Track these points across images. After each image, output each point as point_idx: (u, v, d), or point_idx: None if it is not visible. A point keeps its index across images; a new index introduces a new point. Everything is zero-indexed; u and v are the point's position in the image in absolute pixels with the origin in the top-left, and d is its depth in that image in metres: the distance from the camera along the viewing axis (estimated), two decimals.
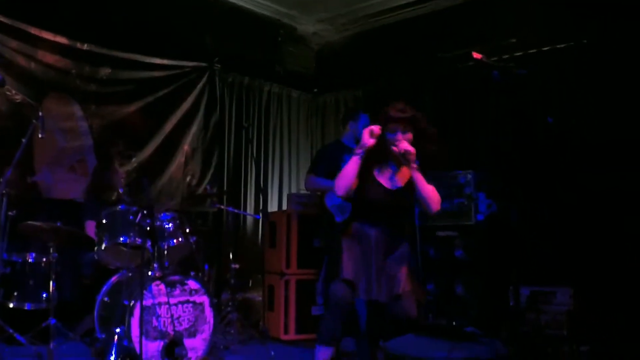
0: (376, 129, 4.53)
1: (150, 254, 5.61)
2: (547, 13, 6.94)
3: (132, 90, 7.60)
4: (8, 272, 5.64)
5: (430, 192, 4.59)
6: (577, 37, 6.84)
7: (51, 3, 6.77)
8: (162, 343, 5.19)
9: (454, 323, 6.12)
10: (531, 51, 7.17)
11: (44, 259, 5.83)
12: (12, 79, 6.44)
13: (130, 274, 5.64)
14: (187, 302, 5.42)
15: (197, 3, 7.88)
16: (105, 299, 5.66)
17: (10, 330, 5.36)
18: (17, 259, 5.77)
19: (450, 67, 7.86)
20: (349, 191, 4.62)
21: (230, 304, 6.76)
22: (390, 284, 4.53)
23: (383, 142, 4.59)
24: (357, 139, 6.43)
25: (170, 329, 5.22)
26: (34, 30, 6.80)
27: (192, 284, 5.49)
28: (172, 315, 5.25)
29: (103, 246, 5.71)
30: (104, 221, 5.75)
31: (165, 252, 5.75)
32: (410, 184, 4.62)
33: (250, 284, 7.88)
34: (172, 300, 5.31)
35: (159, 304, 5.23)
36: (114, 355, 5.09)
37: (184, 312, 5.38)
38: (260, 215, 7.55)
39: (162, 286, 5.28)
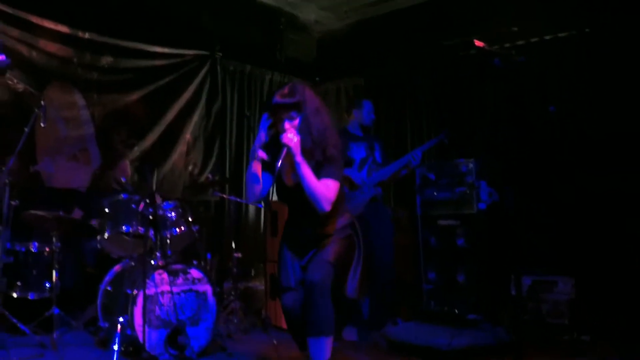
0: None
1: (152, 243, 5.64)
2: (549, 1, 6.92)
3: (133, 78, 7.58)
4: (11, 262, 5.66)
5: (317, 190, 3.99)
6: (579, 26, 6.82)
7: None
8: (165, 332, 5.20)
9: (456, 311, 6.13)
10: (533, 40, 7.15)
11: (47, 248, 5.87)
12: (14, 68, 6.43)
13: (132, 263, 5.67)
14: (190, 290, 5.44)
15: None
16: (108, 287, 5.68)
17: (14, 320, 5.40)
18: (20, 248, 5.80)
19: (451, 55, 7.84)
20: (256, 196, 4.18)
21: (232, 292, 6.78)
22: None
23: (277, 134, 4.12)
24: (362, 127, 6.47)
25: (173, 318, 5.23)
26: (35, 19, 6.78)
27: (194, 273, 5.50)
28: (174, 304, 5.26)
29: (106, 235, 5.74)
30: (106, 210, 5.77)
31: (168, 240, 5.77)
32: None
33: (252, 273, 7.90)
34: (175, 289, 5.33)
35: (162, 293, 5.24)
36: (117, 344, 5.10)
37: (187, 300, 5.39)
38: (262, 204, 7.56)
39: (165, 275, 5.29)
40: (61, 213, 5.68)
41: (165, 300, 5.25)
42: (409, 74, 8.46)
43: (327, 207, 4.03)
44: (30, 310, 5.66)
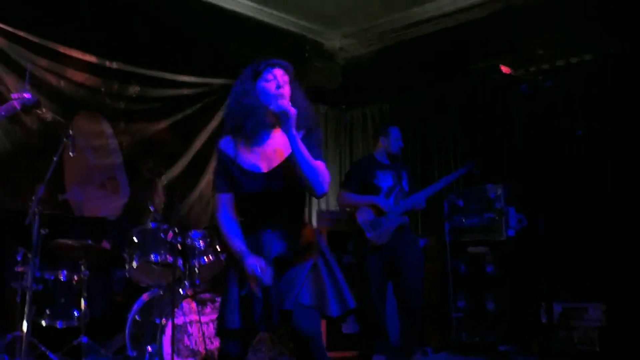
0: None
1: (181, 272, 5.63)
2: (573, 24, 6.87)
3: (161, 107, 7.62)
4: (40, 290, 5.67)
5: (316, 167, 3.33)
6: (604, 48, 6.79)
7: (80, 22, 6.79)
8: None
9: (485, 340, 6.06)
10: (558, 63, 7.13)
11: (76, 277, 5.87)
12: (42, 98, 6.42)
13: (161, 292, 5.66)
14: None
15: (224, 20, 7.88)
16: (137, 317, 5.68)
17: (43, 348, 5.41)
18: (49, 277, 5.81)
19: (477, 80, 7.83)
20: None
21: None
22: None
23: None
24: (389, 154, 6.42)
25: (201, 347, 5.21)
26: (63, 49, 6.84)
27: None
28: (203, 334, 5.25)
29: (134, 264, 5.73)
30: (134, 239, 5.77)
31: (197, 269, 5.75)
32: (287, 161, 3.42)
33: None
34: (204, 319, 5.32)
35: (191, 322, 5.24)
36: None
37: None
38: None
39: (194, 304, 5.28)
40: (90, 242, 5.70)
41: (194, 329, 5.24)
42: (435, 100, 8.45)
43: (327, 189, 3.39)
44: (59, 338, 5.67)
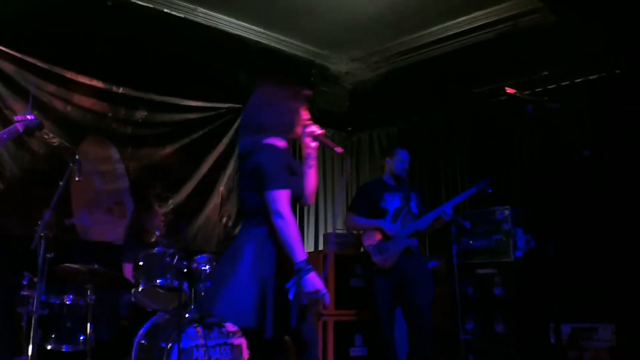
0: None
1: (187, 296, 5.61)
2: (578, 45, 6.89)
3: (167, 132, 7.66)
4: (46, 314, 5.65)
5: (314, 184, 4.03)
6: (609, 69, 6.79)
7: (86, 47, 6.85)
8: None
9: None
10: (564, 83, 7.13)
11: (82, 301, 5.84)
12: (49, 123, 6.49)
13: (167, 316, 5.63)
14: (225, 344, 5.39)
15: (231, 45, 7.93)
16: (143, 341, 5.64)
17: None
18: (54, 301, 5.78)
19: (483, 102, 7.84)
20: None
21: None
22: None
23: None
24: (394, 176, 6.39)
25: None
26: (70, 75, 6.90)
27: (229, 326, 5.44)
28: (209, 358, 5.21)
29: (140, 288, 5.72)
30: (140, 263, 5.76)
31: (202, 294, 5.73)
32: None
33: None
34: (210, 343, 5.28)
35: (197, 347, 5.20)
36: None
37: (222, 354, 5.34)
38: None
39: (200, 328, 5.25)
40: (96, 266, 5.69)
41: (200, 353, 5.21)
42: (442, 122, 8.45)
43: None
44: None
